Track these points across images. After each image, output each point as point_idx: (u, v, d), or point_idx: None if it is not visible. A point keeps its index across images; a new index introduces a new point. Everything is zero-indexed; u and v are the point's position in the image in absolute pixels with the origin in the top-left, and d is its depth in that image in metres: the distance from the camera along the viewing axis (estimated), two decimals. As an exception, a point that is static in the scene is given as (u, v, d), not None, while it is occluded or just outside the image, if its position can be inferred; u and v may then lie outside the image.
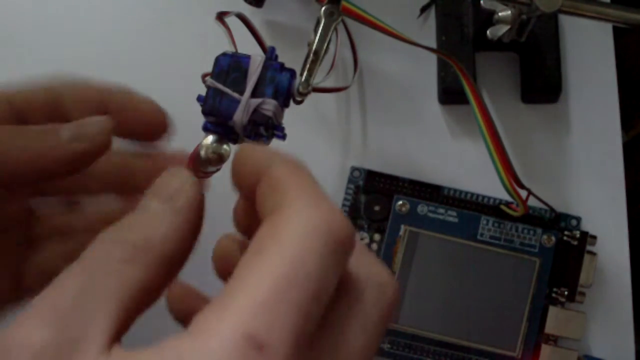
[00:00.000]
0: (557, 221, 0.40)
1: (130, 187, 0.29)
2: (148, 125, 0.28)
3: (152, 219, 0.20)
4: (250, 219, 0.23)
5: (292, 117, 0.28)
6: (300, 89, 0.27)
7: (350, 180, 0.40)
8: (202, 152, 0.26)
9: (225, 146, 0.26)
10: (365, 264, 0.20)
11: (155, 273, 0.19)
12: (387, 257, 0.39)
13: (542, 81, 0.41)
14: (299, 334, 0.16)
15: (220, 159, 0.26)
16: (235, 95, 0.26)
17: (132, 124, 0.28)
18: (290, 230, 0.17)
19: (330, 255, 0.17)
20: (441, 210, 0.39)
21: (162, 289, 0.20)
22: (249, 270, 0.17)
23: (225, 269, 0.24)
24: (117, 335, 0.17)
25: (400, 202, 0.39)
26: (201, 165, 0.26)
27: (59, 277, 0.18)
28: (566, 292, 0.39)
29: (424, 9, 0.42)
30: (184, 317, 0.26)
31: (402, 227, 0.39)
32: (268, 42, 0.30)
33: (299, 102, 0.28)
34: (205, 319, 0.17)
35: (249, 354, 0.15)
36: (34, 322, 0.16)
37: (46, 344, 0.16)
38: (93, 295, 0.17)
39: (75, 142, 0.24)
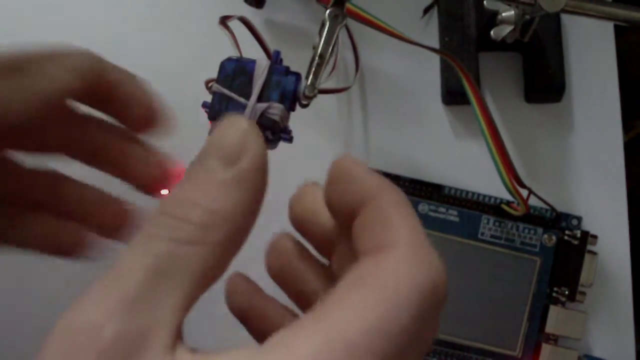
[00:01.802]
0: (558, 221, 0.40)
1: (112, 166, 0.27)
2: (142, 110, 0.26)
3: (217, 189, 0.18)
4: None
5: (292, 117, 0.28)
6: (306, 93, 0.27)
7: (351, 180, 0.40)
8: None
9: None
10: None
11: (220, 253, 0.18)
12: (388, 257, 0.39)
13: (545, 81, 0.41)
14: None
15: None
16: (242, 100, 0.26)
17: (126, 103, 0.26)
18: (395, 280, 0.17)
19: (428, 316, 0.17)
20: (442, 210, 0.39)
21: (224, 268, 0.18)
22: (344, 302, 0.16)
23: (279, 269, 0.24)
24: (180, 328, 0.16)
25: (402, 202, 0.39)
26: None
27: (122, 257, 0.17)
28: (567, 292, 0.39)
29: (426, 10, 0.42)
30: (240, 311, 0.24)
31: (404, 227, 0.39)
32: (269, 43, 0.30)
33: (304, 106, 0.28)
34: (285, 341, 0.16)
35: None
36: (101, 310, 0.16)
37: (114, 338, 0.15)
38: (159, 282, 0.16)
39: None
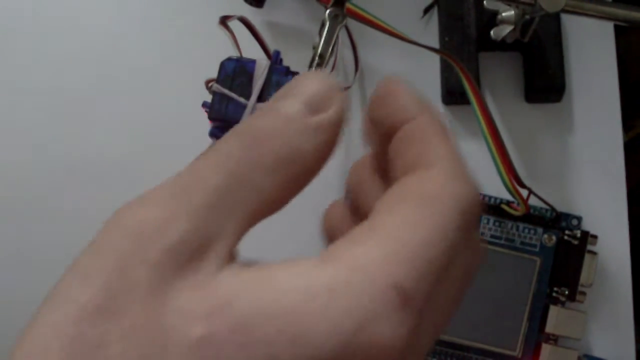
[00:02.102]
0: (558, 220, 0.40)
1: None
2: None
3: (299, 131, 0.18)
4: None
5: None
6: (306, 93, 0.27)
7: (351, 180, 0.40)
8: None
9: None
10: None
11: (288, 189, 0.18)
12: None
13: (545, 80, 0.41)
14: (432, 296, 0.16)
15: None
16: (242, 100, 0.26)
17: None
18: (440, 195, 0.17)
19: (470, 228, 0.18)
20: (442, 210, 0.39)
21: (285, 203, 0.18)
22: (395, 216, 0.17)
23: (353, 184, 0.24)
24: (237, 245, 0.17)
25: (402, 202, 0.39)
26: None
27: (194, 163, 0.17)
28: (567, 292, 0.39)
29: (426, 10, 0.42)
30: (330, 231, 0.25)
31: (404, 227, 0.39)
32: (269, 42, 0.30)
33: (304, 106, 0.28)
34: (347, 250, 0.16)
35: (396, 304, 0.15)
36: (173, 207, 0.16)
37: (180, 239, 0.15)
38: (228, 199, 0.16)
39: None
